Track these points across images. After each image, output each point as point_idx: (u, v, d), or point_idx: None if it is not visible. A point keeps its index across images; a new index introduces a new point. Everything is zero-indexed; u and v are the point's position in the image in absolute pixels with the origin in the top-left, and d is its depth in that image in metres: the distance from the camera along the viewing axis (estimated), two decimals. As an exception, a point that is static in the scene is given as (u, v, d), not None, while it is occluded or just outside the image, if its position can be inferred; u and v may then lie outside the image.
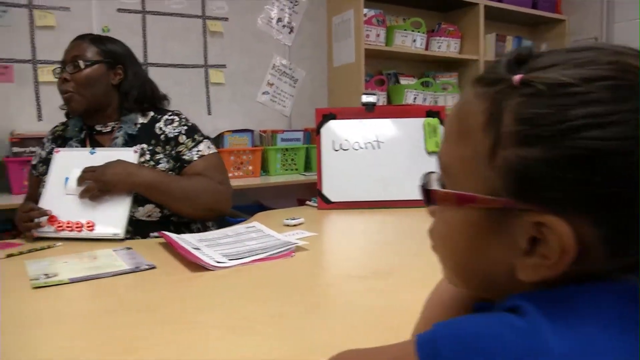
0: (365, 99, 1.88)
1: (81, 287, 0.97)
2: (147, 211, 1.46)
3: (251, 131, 2.88)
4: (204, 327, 0.75)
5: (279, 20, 3.16)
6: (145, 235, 1.45)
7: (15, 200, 2.21)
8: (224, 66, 2.98)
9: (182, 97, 2.64)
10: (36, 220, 1.37)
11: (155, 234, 1.45)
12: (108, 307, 0.86)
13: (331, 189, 1.78)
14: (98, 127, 1.58)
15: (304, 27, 3.25)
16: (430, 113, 1.87)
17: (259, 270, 1.03)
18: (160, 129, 1.56)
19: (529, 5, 3.75)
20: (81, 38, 1.57)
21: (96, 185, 1.39)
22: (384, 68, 3.46)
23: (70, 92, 1.50)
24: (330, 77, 3.35)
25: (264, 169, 2.93)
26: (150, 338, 0.71)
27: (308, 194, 3.20)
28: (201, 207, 1.49)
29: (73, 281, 0.98)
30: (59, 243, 1.31)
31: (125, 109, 1.57)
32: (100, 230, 1.37)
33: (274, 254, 1.12)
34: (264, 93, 3.13)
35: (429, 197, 0.44)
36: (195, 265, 1.05)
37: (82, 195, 1.40)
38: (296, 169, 2.99)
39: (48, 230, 1.38)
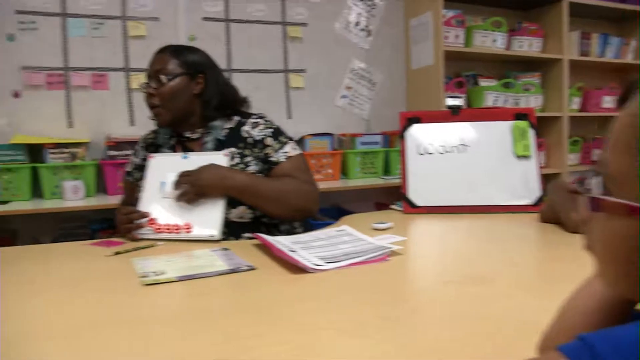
0: (451, 102, 1.86)
1: (188, 285, 1.00)
2: (239, 213, 1.51)
3: (331, 135, 2.91)
4: (314, 328, 0.76)
5: (357, 24, 3.17)
6: (237, 236, 1.50)
7: (111, 200, 2.34)
8: (303, 71, 3.03)
9: (263, 101, 2.69)
10: (136, 222, 1.44)
11: (248, 234, 1.50)
12: (217, 306, 0.89)
13: (417, 193, 1.76)
14: (187, 134, 1.63)
15: (381, 30, 3.25)
16: (519, 116, 1.82)
17: (356, 274, 1.04)
18: (247, 132, 1.60)
19: (617, -1, 3.58)
20: (162, 51, 1.61)
21: (192, 189, 1.44)
22: (463, 70, 3.40)
23: (156, 105, 1.56)
24: (408, 80, 3.32)
25: (344, 172, 2.95)
26: (265, 337, 0.73)
27: (386, 197, 3.19)
28: (291, 208, 1.52)
29: (180, 279, 1.02)
30: (160, 242, 1.38)
31: (208, 117, 1.62)
32: (197, 232, 1.42)
33: (369, 258, 1.12)
34: (342, 97, 3.15)
35: (595, 204, 0.43)
36: (293, 267, 1.07)
37: (179, 198, 1.45)
38: (375, 173, 2.99)
39: (148, 232, 1.45)
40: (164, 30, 2.69)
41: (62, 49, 2.54)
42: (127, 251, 1.29)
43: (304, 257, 1.12)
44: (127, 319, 0.84)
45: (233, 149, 1.57)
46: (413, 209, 1.74)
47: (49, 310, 0.89)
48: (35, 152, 2.42)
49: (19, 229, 2.53)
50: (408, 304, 0.88)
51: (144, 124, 2.63)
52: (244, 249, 1.28)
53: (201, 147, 1.60)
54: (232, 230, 1.49)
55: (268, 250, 1.24)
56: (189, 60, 1.60)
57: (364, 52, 3.21)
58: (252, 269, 1.09)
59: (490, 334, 0.73)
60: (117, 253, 1.28)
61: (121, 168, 2.42)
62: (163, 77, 1.55)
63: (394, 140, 3.06)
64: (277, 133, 1.61)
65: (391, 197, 3.16)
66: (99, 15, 2.58)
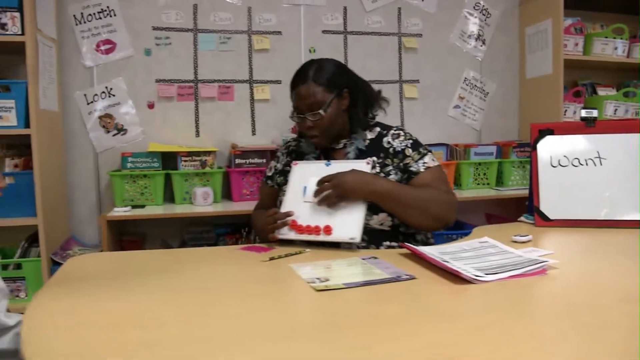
0: (586, 113, 1.82)
1: (357, 293, 1.03)
2: (380, 219, 1.54)
3: (446, 145, 2.91)
4: (511, 339, 0.77)
5: (471, 33, 3.15)
6: (378, 244, 1.54)
7: (237, 207, 2.46)
8: (417, 81, 3.06)
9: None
10: (280, 221, 1.50)
11: (387, 242, 1.54)
12: (397, 313, 0.91)
13: (549, 206, 1.73)
14: (332, 145, 1.70)
15: (495, 39, 3.21)
16: (660, 128, 1.75)
17: (521, 286, 1.04)
18: (388, 142, 1.65)
19: None
20: (304, 81, 1.61)
21: (334, 192, 1.47)
22: (579, 78, 3.29)
23: (316, 136, 1.63)
24: (521, 89, 3.26)
25: (456, 183, 2.94)
26: (468, 348, 0.74)
27: (496, 208, 3.14)
28: (432, 217, 1.53)
29: (347, 286, 1.06)
30: (308, 249, 1.43)
31: (357, 127, 1.68)
32: (338, 235, 1.45)
33: (528, 270, 1.13)
34: (455, 107, 3.15)
35: None
36: (452, 277, 1.08)
37: (321, 202, 1.50)
38: (488, 184, 2.96)
39: (289, 232, 1.51)
40: (286, 44, 2.81)
41: (192, 62, 2.72)
42: (280, 257, 1.36)
43: (460, 267, 1.14)
44: (315, 323, 0.89)
45: (374, 158, 1.61)
46: (545, 222, 1.72)
47: (240, 314, 0.94)
48: (166, 159, 2.60)
49: (148, 232, 2.72)
50: (600, 320, 0.85)
51: (264, 133, 2.77)
52: (392, 258, 1.30)
53: (344, 157, 1.66)
54: (372, 237, 1.53)
55: (417, 259, 1.27)
56: (332, 81, 1.62)
57: (478, 62, 3.18)
58: (412, 278, 1.12)
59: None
60: (271, 259, 1.35)
61: (246, 175, 2.56)
62: (321, 111, 1.59)
63: (508, 150, 3.00)
64: (417, 144, 1.65)
65: (502, 209, 3.11)
66: (226, 30, 2.74)
